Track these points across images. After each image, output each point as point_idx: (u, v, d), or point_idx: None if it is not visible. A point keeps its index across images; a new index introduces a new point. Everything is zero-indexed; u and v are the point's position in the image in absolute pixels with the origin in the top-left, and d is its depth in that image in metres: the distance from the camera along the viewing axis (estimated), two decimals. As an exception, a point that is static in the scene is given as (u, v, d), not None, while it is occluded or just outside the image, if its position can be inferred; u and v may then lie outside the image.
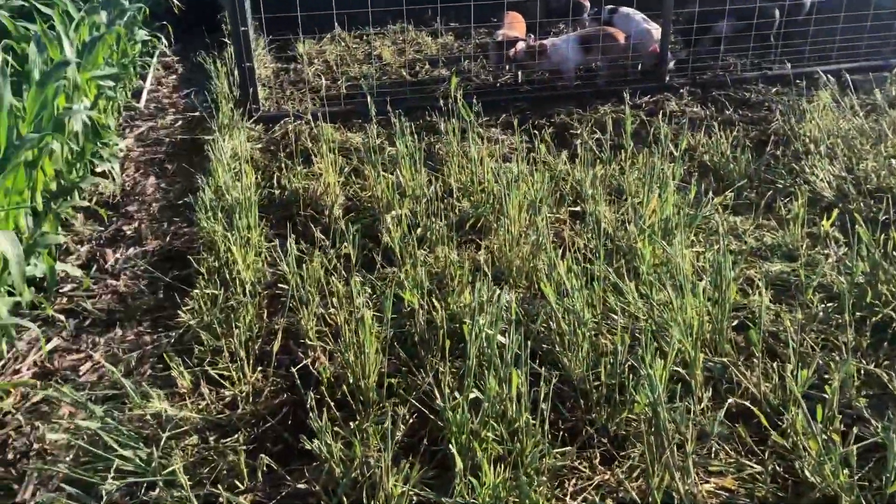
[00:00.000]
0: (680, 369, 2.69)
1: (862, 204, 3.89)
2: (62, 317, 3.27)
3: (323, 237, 3.72)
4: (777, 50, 6.15)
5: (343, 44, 7.09)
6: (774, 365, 2.68)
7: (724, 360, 2.79)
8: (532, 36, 6.40)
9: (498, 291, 2.74)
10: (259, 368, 2.87)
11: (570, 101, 5.59)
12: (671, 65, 5.80)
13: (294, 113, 5.29)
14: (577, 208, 4.02)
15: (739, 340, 2.96)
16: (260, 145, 4.96)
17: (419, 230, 3.67)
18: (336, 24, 7.23)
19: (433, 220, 3.71)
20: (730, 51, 6.34)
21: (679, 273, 2.96)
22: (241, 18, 5.04)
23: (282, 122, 5.26)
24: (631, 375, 2.58)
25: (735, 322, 3.04)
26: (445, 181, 4.24)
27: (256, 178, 4.42)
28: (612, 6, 6.10)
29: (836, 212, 3.58)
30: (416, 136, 4.81)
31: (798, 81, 5.67)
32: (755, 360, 2.75)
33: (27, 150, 3.10)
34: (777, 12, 6.12)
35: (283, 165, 4.53)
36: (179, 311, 3.21)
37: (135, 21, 6.00)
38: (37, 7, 4.68)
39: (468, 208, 3.95)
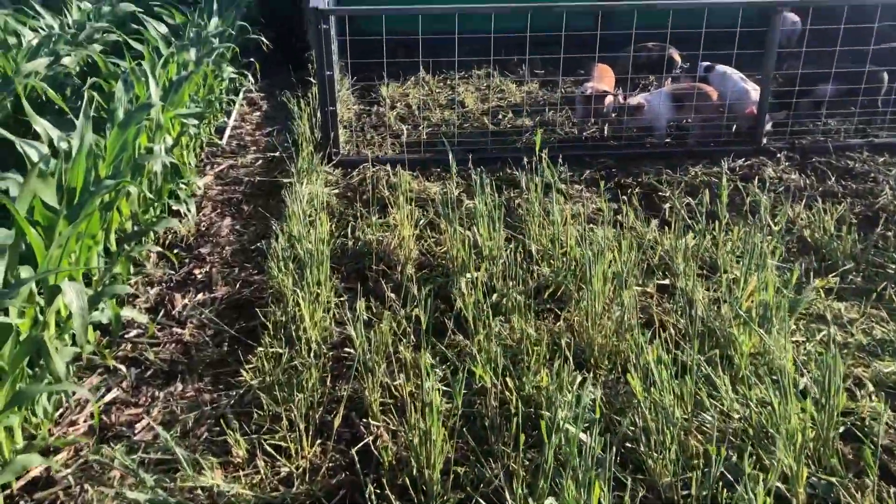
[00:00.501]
0: (780, 484, 2.41)
1: None
2: (123, 367, 3.18)
3: (394, 296, 3.57)
4: (886, 116, 5.77)
5: (426, 88, 7.02)
6: (892, 490, 2.37)
7: (832, 478, 2.48)
8: (621, 89, 6.20)
9: (579, 378, 2.52)
10: (318, 441, 2.71)
11: (658, 160, 5.34)
12: (768, 126, 5.50)
13: (373, 159, 5.20)
14: (667, 281, 3.76)
15: (847, 452, 2.65)
16: (337, 190, 4.87)
17: (494, 296, 3.48)
18: (421, 67, 7.18)
19: (510, 284, 3.52)
20: (832, 115, 6.00)
21: (780, 371, 2.68)
22: (328, 63, 5.00)
23: (361, 167, 5.18)
24: (725, 490, 2.31)
25: (841, 429, 2.73)
26: (525, 242, 4.04)
27: (331, 226, 4.31)
28: (708, 63, 5.84)
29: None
30: (495, 190, 4.66)
31: (908, 151, 5.29)
32: (868, 479, 2.44)
33: (103, 194, 3.05)
34: (886, 76, 5.75)
35: (358, 214, 4.42)
36: (242, 370, 3.09)
37: (223, 58, 6.05)
38: (128, 43, 4.73)
39: (548, 274, 3.74)
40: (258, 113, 6.58)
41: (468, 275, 3.57)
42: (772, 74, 5.28)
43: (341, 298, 3.64)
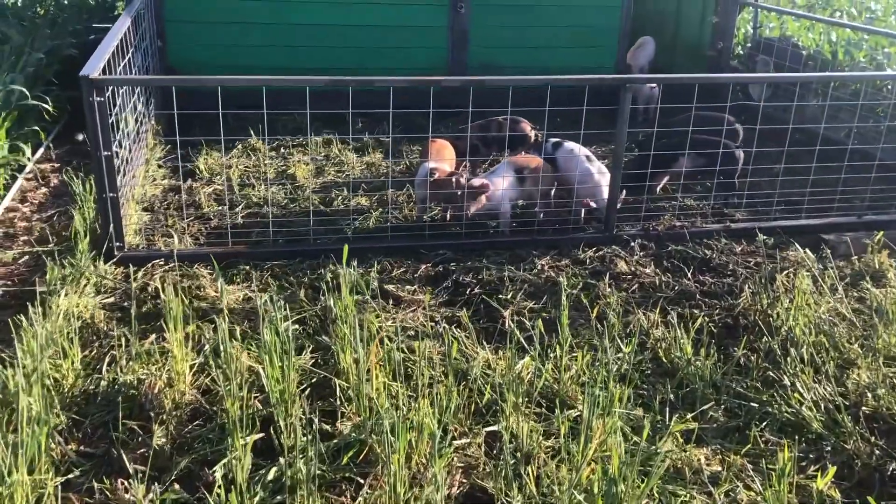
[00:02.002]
0: None
1: (861, 441, 3.03)
2: None
3: (142, 468, 2.71)
4: (742, 200, 5.43)
5: (254, 156, 6.20)
6: None
7: None
8: (466, 166, 5.61)
9: None
10: None
11: (503, 250, 4.73)
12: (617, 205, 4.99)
13: (167, 254, 4.33)
14: (497, 426, 3.08)
15: None
16: (112, 299, 3.95)
17: (273, 470, 2.68)
18: (252, 131, 6.38)
19: (302, 439, 2.75)
20: (687, 194, 5.63)
21: None
22: (104, 142, 4.11)
23: (150, 265, 4.29)
24: None
25: None
26: (332, 380, 3.27)
27: (89, 355, 3.41)
28: (556, 139, 5.32)
29: (832, 469, 2.70)
30: (311, 293, 3.93)
31: (765, 238, 4.92)
32: None
33: None
34: (741, 154, 5.42)
35: (128, 336, 3.52)
36: None
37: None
38: None
39: (350, 430, 2.97)
40: (45, 189, 5.54)
41: (241, 439, 2.75)
42: (623, 156, 4.80)
43: (70, 475, 2.74)
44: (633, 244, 4.84)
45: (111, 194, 4.22)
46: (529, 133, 5.89)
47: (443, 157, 5.17)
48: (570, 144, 5.22)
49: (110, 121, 4.19)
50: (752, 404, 3.27)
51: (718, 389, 3.37)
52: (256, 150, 6.32)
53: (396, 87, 4.79)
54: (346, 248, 3.58)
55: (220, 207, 5.15)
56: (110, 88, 4.23)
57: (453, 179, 4.89)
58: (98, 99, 4.06)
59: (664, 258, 4.73)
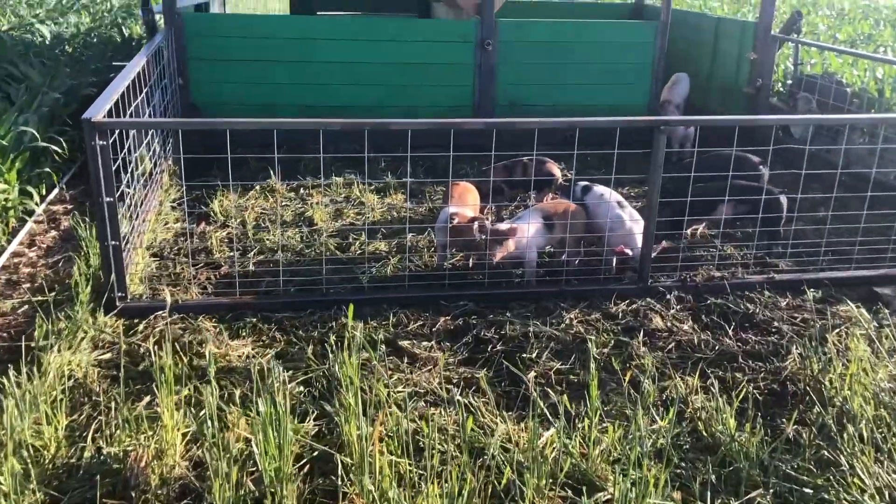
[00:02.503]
0: None
1: (933, 540, 2.65)
2: None
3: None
4: (786, 249, 5.06)
5: (272, 198, 5.99)
6: None
7: None
8: (492, 210, 5.35)
9: None
10: None
11: (528, 302, 4.42)
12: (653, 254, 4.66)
13: (172, 305, 4.09)
14: (517, 514, 2.75)
15: None
16: (108, 355, 3.71)
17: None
18: (271, 172, 6.20)
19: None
20: (727, 242, 5.29)
21: None
22: (107, 188, 3.91)
23: (153, 316, 4.06)
24: None
25: None
26: (333, 455, 2.98)
27: (75, 417, 3.16)
28: (586, 183, 5.03)
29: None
30: (320, 349, 3.67)
31: (813, 291, 4.56)
32: None
33: None
34: (784, 200, 5.06)
35: (117, 399, 3.26)
36: None
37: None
38: None
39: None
40: (55, 233, 5.37)
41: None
42: (657, 203, 4.47)
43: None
44: (669, 297, 4.50)
45: (113, 242, 4.00)
46: (557, 174, 5.60)
47: (465, 202, 4.90)
48: (599, 189, 4.92)
49: (119, 163, 4.00)
50: (806, 489, 2.90)
51: (766, 469, 3.00)
52: (276, 191, 6.12)
53: (417, 129, 4.54)
54: (350, 307, 3.29)
55: (231, 253, 4.92)
56: (115, 131, 4.04)
57: (475, 225, 4.61)
58: (101, 143, 3.86)
59: (703, 312, 4.38)
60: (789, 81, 8.41)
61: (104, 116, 3.95)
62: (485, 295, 4.48)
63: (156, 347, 3.70)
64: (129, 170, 4.60)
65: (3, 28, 8.42)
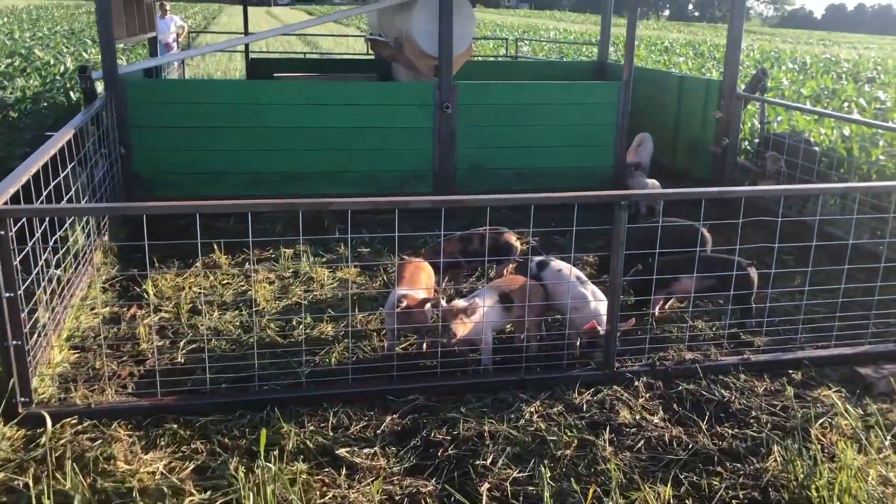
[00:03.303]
0: None
1: None
2: None
3: None
4: (762, 325, 4.73)
5: (214, 276, 5.57)
6: None
7: None
8: (443, 290, 4.97)
9: None
10: None
11: (484, 394, 4.02)
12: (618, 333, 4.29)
13: (84, 410, 3.65)
14: None
15: None
16: (2, 474, 3.24)
17: None
18: (216, 246, 5.81)
19: None
20: (698, 318, 4.95)
21: None
22: (6, 281, 3.48)
23: (62, 423, 3.60)
24: None
25: None
26: None
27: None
28: (541, 258, 4.68)
29: None
30: (248, 460, 3.23)
31: (791, 373, 4.22)
32: None
33: None
34: (754, 273, 4.75)
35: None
36: None
37: None
38: None
39: None
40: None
41: None
42: (620, 284, 4.13)
43: None
44: (637, 383, 4.13)
45: (14, 342, 3.56)
46: (516, 244, 5.26)
47: (417, 282, 4.51)
48: (557, 264, 4.57)
49: (37, 244, 3.60)
50: None
51: None
52: (219, 266, 5.70)
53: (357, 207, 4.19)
54: (263, 433, 2.87)
55: (159, 343, 4.48)
56: (12, 220, 3.61)
57: (426, 307, 4.23)
58: (-1, 233, 3.45)
59: (674, 401, 4.01)
60: (756, 140, 8.22)
61: (5, 203, 3.54)
62: (437, 387, 4.07)
63: (54, 467, 3.23)
64: (48, 251, 4.21)
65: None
